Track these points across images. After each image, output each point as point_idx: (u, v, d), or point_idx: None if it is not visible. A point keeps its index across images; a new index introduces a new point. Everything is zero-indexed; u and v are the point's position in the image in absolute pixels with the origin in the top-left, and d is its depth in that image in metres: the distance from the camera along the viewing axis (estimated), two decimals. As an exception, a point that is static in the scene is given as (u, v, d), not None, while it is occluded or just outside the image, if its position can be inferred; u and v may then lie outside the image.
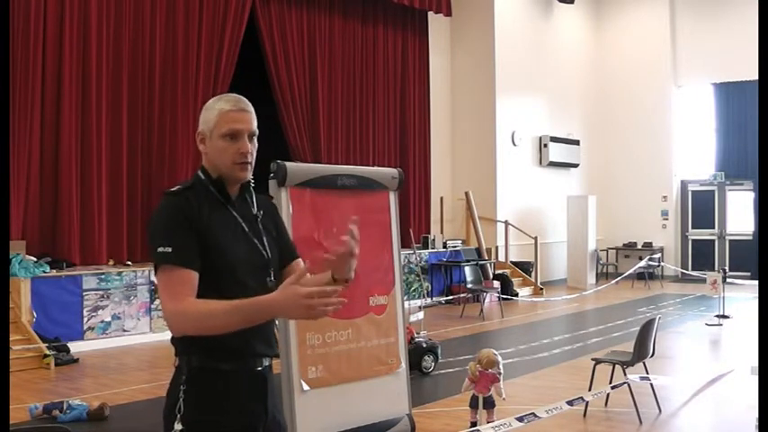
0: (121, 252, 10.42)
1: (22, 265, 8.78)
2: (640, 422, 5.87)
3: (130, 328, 9.67)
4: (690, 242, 18.55)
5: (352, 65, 13.86)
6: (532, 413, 4.80)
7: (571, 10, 17.74)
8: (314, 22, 13.14)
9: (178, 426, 2.24)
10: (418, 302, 12.20)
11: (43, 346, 8.33)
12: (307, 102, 13.03)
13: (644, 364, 6.28)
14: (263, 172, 4.00)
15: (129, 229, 10.55)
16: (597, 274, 17.48)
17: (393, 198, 5.31)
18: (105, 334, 9.44)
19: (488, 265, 14.32)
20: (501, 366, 5.45)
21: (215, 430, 2.27)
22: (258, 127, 2.40)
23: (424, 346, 7.67)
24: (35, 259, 9.07)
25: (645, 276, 16.55)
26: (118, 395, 6.95)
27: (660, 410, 6.18)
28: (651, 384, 6.25)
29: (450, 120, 16.17)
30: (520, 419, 4.65)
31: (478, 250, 14.79)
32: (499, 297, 12.91)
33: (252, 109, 2.38)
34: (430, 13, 15.17)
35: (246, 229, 2.38)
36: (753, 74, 13.41)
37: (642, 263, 15.82)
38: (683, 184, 18.63)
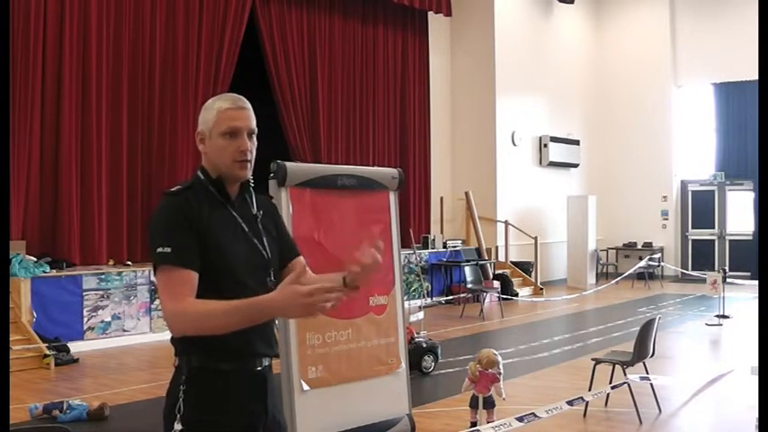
0: (121, 252, 10.42)
1: (22, 265, 8.78)
2: (640, 422, 5.87)
3: (130, 328, 9.67)
4: (690, 242, 18.55)
5: (352, 65, 13.86)
6: (532, 413, 4.80)
7: (571, 10, 17.74)
8: (314, 22, 13.14)
9: (178, 426, 2.24)
10: (418, 302, 12.19)
11: (43, 346, 8.32)
12: (307, 102, 13.03)
13: (644, 364, 6.28)
14: (263, 172, 4.00)
15: (129, 229, 10.55)
16: (597, 274, 17.48)
17: (393, 198, 5.31)
18: (105, 334, 9.44)
19: (488, 265, 14.32)
20: (501, 366, 5.45)
21: (215, 430, 2.27)
22: (258, 127, 2.41)
23: (424, 346, 7.67)
24: (35, 259, 9.07)
25: (645, 276, 16.55)
26: (118, 395, 6.95)
27: (660, 410, 6.17)
28: (651, 384, 6.25)
29: (450, 120, 16.17)
30: (520, 419, 4.65)
31: (478, 250, 14.79)
32: (499, 297, 12.91)
33: (250, 107, 2.38)
34: (430, 13, 15.18)
35: (246, 230, 2.38)
36: (753, 74, 13.41)
37: (642, 263, 15.82)
38: (683, 184, 18.63)
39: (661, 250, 17.95)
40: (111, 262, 10.23)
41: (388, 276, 5.18)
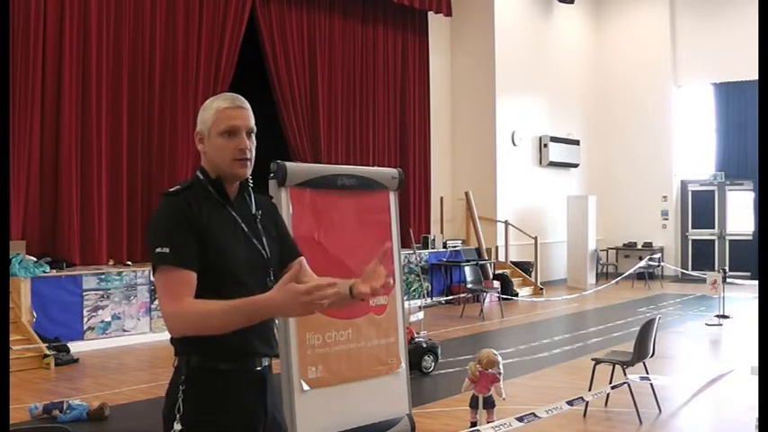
0: (121, 252, 10.41)
1: (22, 265, 8.78)
2: (640, 422, 5.87)
3: (130, 328, 9.67)
4: (690, 242, 18.55)
5: (352, 65, 13.86)
6: (532, 413, 4.80)
7: (571, 10, 17.74)
8: (314, 22, 13.14)
9: (177, 426, 2.24)
10: (418, 302, 12.19)
11: (43, 346, 8.32)
12: (307, 102, 13.03)
13: (644, 364, 6.27)
14: (263, 172, 4.00)
15: (129, 229, 10.55)
16: (597, 274, 17.48)
17: (393, 198, 5.31)
18: (105, 334, 9.44)
19: (488, 265, 14.31)
20: (501, 366, 5.45)
21: (214, 430, 2.27)
22: (258, 127, 2.41)
23: (424, 346, 7.67)
24: (35, 259, 9.07)
25: (645, 276, 16.55)
26: (118, 395, 6.95)
27: (660, 410, 6.17)
28: (651, 384, 6.25)
29: (450, 120, 16.17)
30: (520, 419, 4.65)
31: (478, 250, 14.79)
32: (499, 297, 12.91)
33: (249, 106, 2.39)
34: (430, 13, 15.18)
35: (246, 229, 2.38)
36: (753, 74, 13.40)
37: (642, 263, 15.82)
38: (683, 184, 18.63)
39: (661, 250, 17.95)
40: (111, 262, 10.23)
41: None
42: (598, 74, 18.90)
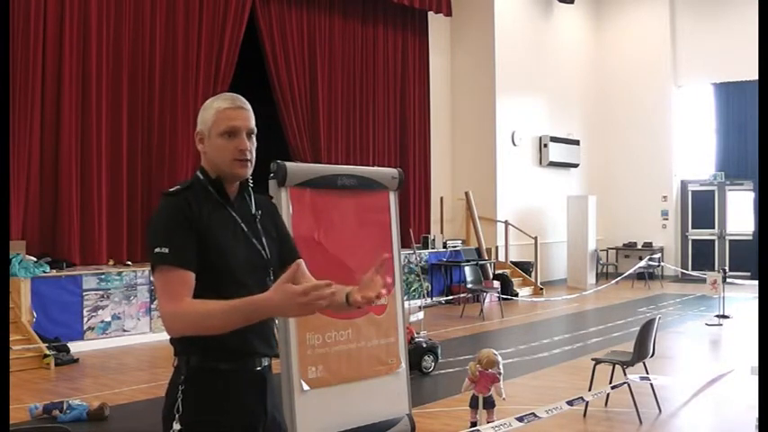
0: (121, 252, 10.41)
1: (22, 265, 8.78)
2: (640, 422, 5.87)
3: (130, 328, 9.67)
4: (690, 242, 18.55)
5: (352, 65, 13.86)
6: (532, 413, 4.80)
7: (571, 10, 17.74)
8: (314, 22, 13.14)
9: (177, 426, 2.24)
10: (418, 302, 12.19)
11: (43, 346, 8.32)
12: (307, 102, 13.03)
13: (644, 364, 6.27)
14: (263, 172, 4.00)
15: (129, 229, 10.55)
16: (597, 274, 17.48)
17: (393, 198, 5.31)
18: (105, 334, 9.44)
19: (488, 265, 14.31)
20: (501, 366, 5.45)
21: (214, 430, 2.26)
22: (258, 127, 2.40)
23: (424, 346, 7.66)
24: (35, 259, 9.07)
25: (645, 276, 16.55)
26: (118, 395, 6.95)
27: (660, 410, 6.17)
28: (651, 384, 6.25)
29: (450, 120, 16.17)
30: (520, 419, 4.65)
31: (478, 250, 14.79)
32: (499, 297, 12.91)
33: (249, 107, 2.38)
34: (430, 13, 15.17)
35: (246, 230, 2.37)
36: (753, 74, 13.41)
37: (642, 263, 15.82)
38: (683, 184, 18.63)
39: (661, 250, 17.95)
40: (111, 262, 10.23)
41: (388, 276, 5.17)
42: (598, 74, 18.90)
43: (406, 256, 12.55)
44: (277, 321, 3.80)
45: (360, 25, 14.02)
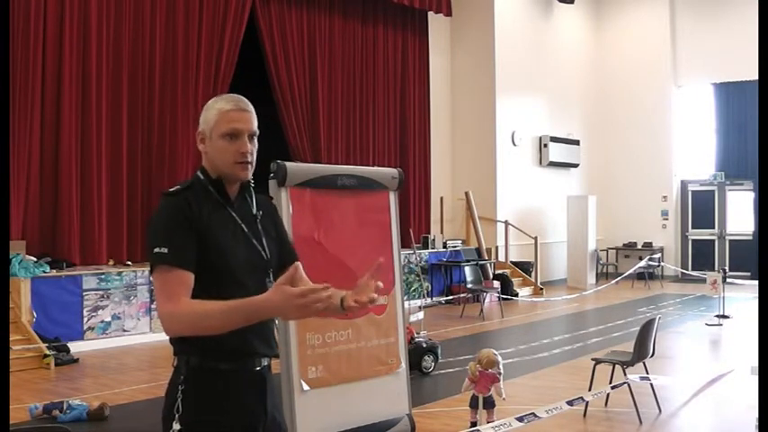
0: (121, 252, 10.41)
1: (22, 265, 8.78)
2: (640, 422, 5.87)
3: (130, 328, 9.67)
4: (690, 242, 18.55)
5: (352, 65, 13.86)
6: (532, 413, 4.80)
7: (571, 10, 17.74)
8: (314, 22, 13.14)
9: (176, 426, 2.24)
10: (418, 302, 12.19)
11: (43, 346, 8.32)
12: (307, 102, 13.03)
13: (644, 364, 6.27)
14: (263, 172, 4.00)
15: (129, 229, 10.55)
16: (597, 274, 17.48)
17: (393, 198, 5.31)
18: (105, 334, 9.44)
19: (488, 265, 14.31)
20: (501, 366, 5.45)
21: (214, 430, 2.26)
22: (258, 127, 2.40)
23: (424, 346, 7.66)
24: (35, 259, 9.07)
25: (645, 276, 16.55)
26: (118, 395, 6.95)
27: (660, 410, 6.17)
28: (651, 384, 6.24)
29: (450, 120, 16.17)
30: (520, 419, 4.65)
31: (478, 250, 14.79)
32: (499, 297, 12.91)
33: (252, 109, 2.38)
34: (430, 13, 15.17)
35: (246, 230, 2.37)
36: (753, 74, 13.41)
37: (642, 263, 15.82)
38: (683, 184, 18.63)
39: (661, 250, 17.95)
40: (111, 262, 10.23)
41: (388, 276, 5.18)
42: (598, 74, 18.90)
43: (406, 256, 12.54)
44: (277, 321, 3.80)
45: (360, 25, 14.02)
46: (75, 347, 8.79)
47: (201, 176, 2.38)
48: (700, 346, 9.74)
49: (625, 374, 6.03)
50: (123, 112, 10.51)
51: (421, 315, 8.49)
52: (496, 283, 13.53)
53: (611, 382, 6.08)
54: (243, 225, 2.37)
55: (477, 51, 15.83)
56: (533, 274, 15.58)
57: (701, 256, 18.27)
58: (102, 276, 9.50)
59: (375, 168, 5.61)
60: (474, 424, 5.33)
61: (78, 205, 10.02)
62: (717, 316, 11.22)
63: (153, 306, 9.76)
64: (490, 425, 4.72)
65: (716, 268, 16.39)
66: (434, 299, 13.51)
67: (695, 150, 18.47)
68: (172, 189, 2.34)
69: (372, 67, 14.23)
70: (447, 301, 13.21)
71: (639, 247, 18.27)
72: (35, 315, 8.74)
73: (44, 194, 9.77)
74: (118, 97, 10.47)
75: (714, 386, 7.18)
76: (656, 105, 18.29)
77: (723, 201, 18.18)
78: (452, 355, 8.28)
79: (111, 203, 10.41)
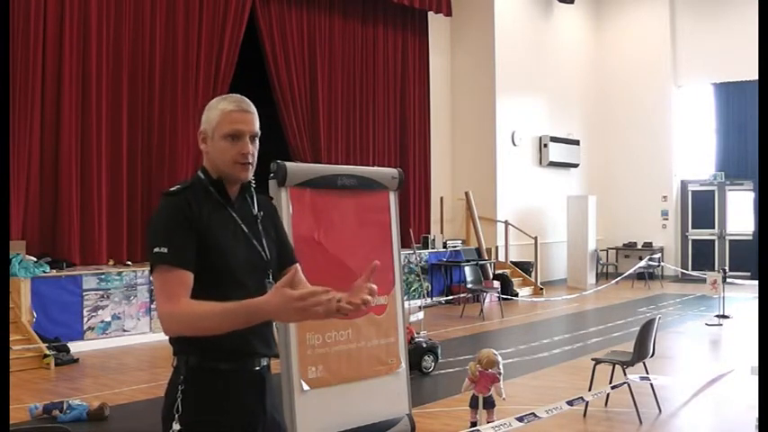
0: (121, 252, 10.41)
1: (22, 265, 8.78)
2: (640, 422, 5.87)
3: (130, 328, 9.67)
4: (690, 242, 18.55)
5: (352, 65, 13.86)
6: (532, 413, 4.80)
7: (571, 10, 17.74)
8: (314, 22, 13.14)
9: (176, 426, 2.24)
10: (418, 302, 12.19)
11: (43, 346, 8.32)
12: (307, 102, 13.03)
13: (644, 364, 6.27)
14: (264, 172, 4.00)
15: (129, 229, 10.55)
16: (597, 274, 17.48)
17: (393, 198, 5.31)
18: (105, 334, 9.44)
19: (488, 265, 14.31)
20: (501, 366, 5.45)
21: (213, 430, 2.26)
22: (259, 127, 2.40)
23: (424, 346, 7.66)
24: (35, 259, 9.07)
25: (645, 276, 16.55)
26: (118, 395, 6.95)
27: (660, 410, 6.17)
28: (651, 384, 6.25)
29: (450, 120, 16.17)
30: (520, 419, 4.65)
31: (478, 250, 14.79)
32: (499, 297, 12.91)
33: (254, 110, 2.38)
34: (430, 13, 15.17)
35: (246, 230, 2.37)
36: (753, 74, 13.41)
37: (642, 263, 15.82)
38: (683, 184, 18.63)
39: (661, 250, 17.95)
40: (111, 262, 10.23)
41: (388, 276, 5.18)
42: (598, 74, 18.90)
43: (406, 256, 12.54)
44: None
45: (360, 25, 14.02)
46: (75, 347, 8.79)
47: (202, 176, 2.38)
48: (700, 346, 9.74)
49: (625, 374, 6.03)
50: (123, 112, 10.51)
51: (421, 315, 8.49)
52: (496, 283, 13.53)
53: (611, 382, 6.08)
54: (243, 225, 2.37)
55: (477, 51, 15.83)
56: (533, 274, 15.58)
57: (701, 256, 18.27)
58: (102, 276, 9.50)
59: (375, 168, 5.61)
60: (474, 424, 5.33)
61: (78, 205, 10.02)
62: (717, 316, 11.22)
63: (153, 306, 9.76)
64: (490, 425, 4.72)
65: (716, 268, 16.39)
66: (434, 299, 13.51)
67: (695, 150, 18.47)
68: (172, 189, 2.34)
69: (372, 67, 14.23)
70: (447, 301, 13.21)
71: (639, 247, 18.27)
72: (35, 315, 8.74)
73: (44, 194, 9.77)
74: (118, 97, 10.47)
75: (714, 386, 7.18)
76: (656, 105, 18.29)
77: (723, 201, 18.18)
78: (452, 355, 8.28)
79: (111, 203, 10.41)
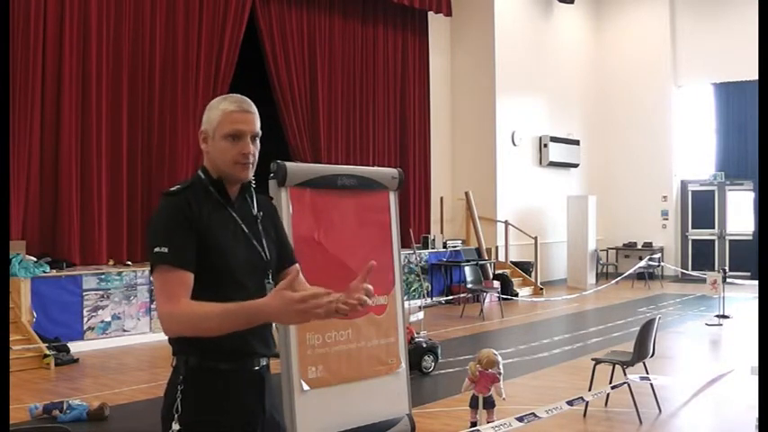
0: (121, 252, 10.41)
1: (22, 265, 8.78)
2: (640, 422, 5.87)
3: (130, 328, 9.67)
4: (690, 242, 18.55)
5: (352, 65, 13.86)
6: (532, 413, 4.80)
7: (571, 10, 17.74)
8: (314, 22, 13.14)
9: (176, 426, 2.24)
10: (418, 302, 12.19)
11: (43, 346, 8.32)
12: (307, 102, 13.03)
13: (644, 364, 6.27)
14: (264, 172, 4.00)
15: (129, 229, 10.55)
16: (597, 274, 17.48)
17: (393, 198, 5.31)
18: (105, 334, 9.44)
19: (488, 265, 14.31)
20: (501, 366, 5.45)
21: (213, 430, 2.26)
22: (259, 127, 2.40)
23: (424, 346, 7.66)
24: (35, 259, 9.07)
25: (645, 276, 16.55)
26: (118, 395, 6.95)
27: (660, 410, 6.17)
28: (651, 384, 6.25)
29: (450, 120, 16.17)
30: (520, 419, 4.65)
31: (478, 250, 14.79)
32: (499, 297, 12.91)
33: (255, 110, 2.38)
34: (430, 13, 15.18)
35: (246, 230, 2.37)
36: (753, 74, 13.42)
37: (642, 263, 15.82)
38: (683, 184, 18.63)
39: (661, 250, 17.95)
40: (111, 262, 10.23)
41: (388, 276, 5.18)
42: (598, 74, 18.90)
43: (406, 256, 12.55)
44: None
45: (360, 25, 14.02)
46: (75, 347, 8.79)
47: (202, 176, 2.38)
48: (700, 346, 9.74)
49: (625, 374, 6.03)
50: (123, 112, 10.51)
51: (421, 315, 8.49)
52: (496, 283, 13.53)
53: (611, 382, 6.08)
54: (243, 225, 2.37)
55: (477, 51, 15.83)
56: (533, 274, 15.58)
57: (701, 256, 18.27)
58: (102, 276, 9.50)
59: (375, 168, 5.60)
60: (474, 424, 5.33)
61: (78, 205, 10.02)
62: (717, 316, 11.22)
63: (153, 306, 9.76)
64: (490, 425, 4.72)
65: (716, 268, 16.39)
66: (434, 299, 13.51)
67: (695, 150, 18.47)
68: (172, 189, 2.34)
69: (372, 67, 14.23)
70: (447, 301, 13.21)
71: (639, 247, 18.27)
72: (35, 315, 8.74)
73: (44, 194, 9.77)
74: (118, 97, 10.47)
75: (714, 386, 7.18)
76: (656, 105, 18.29)
77: (723, 201, 18.18)
78: (452, 355, 8.28)
79: (111, 203, 10.41)
